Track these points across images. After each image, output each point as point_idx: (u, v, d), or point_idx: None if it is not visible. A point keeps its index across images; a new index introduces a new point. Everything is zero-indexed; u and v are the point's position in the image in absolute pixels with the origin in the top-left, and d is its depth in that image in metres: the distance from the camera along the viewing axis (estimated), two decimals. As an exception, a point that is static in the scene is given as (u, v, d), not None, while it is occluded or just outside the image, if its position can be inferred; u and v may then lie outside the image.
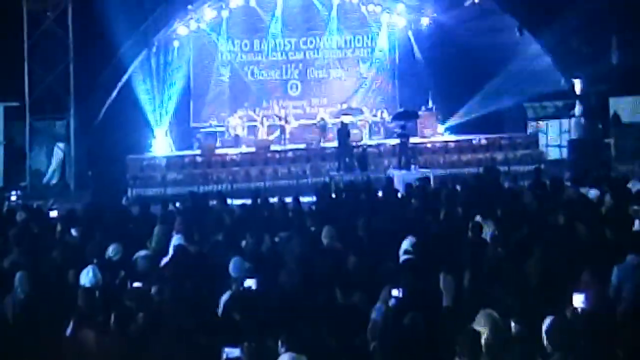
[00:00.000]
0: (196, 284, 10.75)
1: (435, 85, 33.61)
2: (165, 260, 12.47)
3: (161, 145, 31.82)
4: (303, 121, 33.62)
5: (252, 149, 30.82)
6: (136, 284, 10.75)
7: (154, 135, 31.66)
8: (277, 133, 32.44)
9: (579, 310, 8.55)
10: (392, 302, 9.13)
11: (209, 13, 33.14)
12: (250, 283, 10.23)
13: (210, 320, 9.70)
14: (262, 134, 32.20)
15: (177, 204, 18.71)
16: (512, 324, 8.27)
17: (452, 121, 33.31)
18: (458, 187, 18.68)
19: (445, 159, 30.01)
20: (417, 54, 34.90)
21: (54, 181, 29.39)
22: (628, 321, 8.83)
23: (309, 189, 23.16)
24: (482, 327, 8.00)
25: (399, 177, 24.84)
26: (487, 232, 12.87)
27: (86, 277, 11.24)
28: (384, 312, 9.15)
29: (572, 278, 9.62)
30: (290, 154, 30.17)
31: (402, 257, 11.50)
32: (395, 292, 9.16)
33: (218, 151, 30.59)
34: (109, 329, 9.36)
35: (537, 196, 16.64)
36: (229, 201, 19.25)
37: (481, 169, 25.28)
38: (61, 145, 29.52)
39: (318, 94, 35.09)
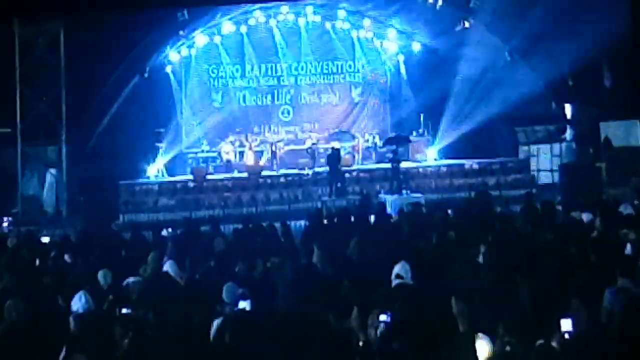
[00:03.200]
0: (185, 311, 10.72)
1: (427, 110, 33.71)
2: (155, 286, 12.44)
3: (153, 170, 31.81)
4: (294, 146, 33.66)
5: (244, 175, 30.83)
6: (124, 310, 10.72)
7: (146, 161, 31.64)
8: (268, 155, 32.50)
9: (567, 335, 8.55)
10: (381, 326, 9.10)
11: (201, 39, 33.25)
12: (244, 305, 10.21)
13: (200, 346, 9.67)
14: (252, 159, 32.21)
15: (169, 230, 18.70)
16: (505, 349, 8.26)
17: (444, 146, 33.35)
18: (450, 212, 18.70)
19: (437, 183, 30.06)
20: (408, 79, 35.00)
21: (49, 208, 29.28)
22: (620, 345, 8.83)
23: (301, 214, 23.17)
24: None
25: (391, 202, 24.86)
26: (479, 256, 12.88)
27: (78, 302, 11.22)
28: (372, 337, 9.13)
29: (564, 302, 9.62)
30: (282, 179, 30.18)
31: (394, 282, 11.49)
32: (383, 317, 9.14)
33: (210, 176, 30.58)
34: (100, 355, 9.33)
35: (529, 220, 16.66)
36: (220, 227, 19.24)
37: (473, 194, 25.32)
38: (53, 171, 29.48)
39: (310, 119, 35.15)
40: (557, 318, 8.74)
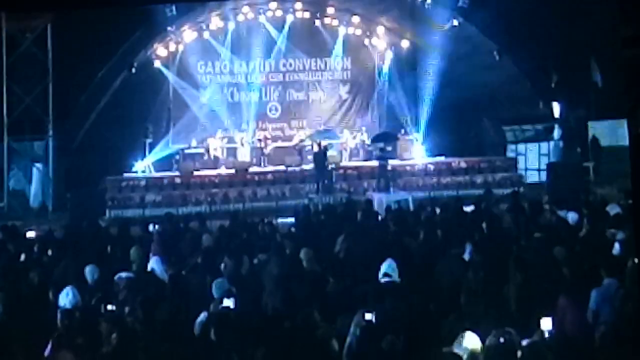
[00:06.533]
0: (171, 306, 10.70)
1: (415, 108, 33.70)
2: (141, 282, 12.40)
3: (140, 166, 31.70)
4: (282, 143, 33.60)
5: (231, 171, 30.74)
6: (110, 307, 10.67)
7: (133, 157, 31.53)
8: (256, 152, 32.48)
9: (547, 334, 8.55)
10: (369, 324, 9.07)
11: (189, 35, 33.16)
12: (228, 303, 10.19)
13: (185, 342, 9.65)
14: (241, 155, 32.14)
15: (156, 226, 18.64)
16: (491, 347, 8.24)
17: (432, 144, 33.31)
18: (437, 210, 18.70)
19: (424, 181, 29.92)
20: (397, 77, 34.95)
21: (35, 203, 29.16)
22: (607, 344, 8.83)
23: (288, 211, 23.13)
24: (462, 350, 7.99)
25: (378, 200, 24.84)
26: (466, 255, 12.88)
27: (65, 298, 11.18)
28: (358, 336, 9.11)
29: (550, 301, 9.63)
30: (269, 176, 30.05)
31: (382, 280, 11.47)
32: (368, 316, 9.11)
33: (197, 173, 30.47)
34: (87, 350, 9.29)
35: (516, 219, 16.66)
36: (207, 223, 19.20)
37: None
38: (39, 166, 29.36)
39: (297, 116, 35.10)
40: (543, 317, 8.76)
